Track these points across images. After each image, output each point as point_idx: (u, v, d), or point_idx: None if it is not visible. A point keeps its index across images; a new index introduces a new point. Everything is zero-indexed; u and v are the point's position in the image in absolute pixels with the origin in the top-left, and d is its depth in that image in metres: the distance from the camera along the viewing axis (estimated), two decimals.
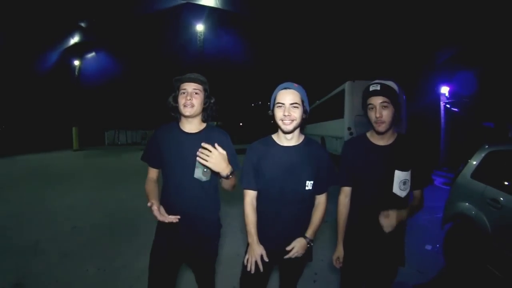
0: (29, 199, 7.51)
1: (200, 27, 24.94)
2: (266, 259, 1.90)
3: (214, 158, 1.78)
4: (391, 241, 2.02)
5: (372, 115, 1.91)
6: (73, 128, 24.67)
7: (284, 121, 1.83)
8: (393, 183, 1.94)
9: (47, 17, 22.38)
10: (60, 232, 5.12)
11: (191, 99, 1.98)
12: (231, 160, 2.02)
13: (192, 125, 2.10)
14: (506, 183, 3.27)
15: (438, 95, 13.53)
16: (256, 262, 1.90)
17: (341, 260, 2.21)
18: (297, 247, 1.91)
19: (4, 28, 21.09)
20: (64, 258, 4.15)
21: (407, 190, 1.96)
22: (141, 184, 2.39)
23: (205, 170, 2.01)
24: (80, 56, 28.35)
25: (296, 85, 1.85)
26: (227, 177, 1.88)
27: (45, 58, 26.66)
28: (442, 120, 13.43)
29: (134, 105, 35.94)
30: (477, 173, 3.74)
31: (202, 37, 24.99)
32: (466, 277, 3.52)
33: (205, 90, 2.09)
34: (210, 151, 1.77)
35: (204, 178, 2.03)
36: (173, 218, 1.90)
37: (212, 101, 2.15)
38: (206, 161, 1.78)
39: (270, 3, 23.06)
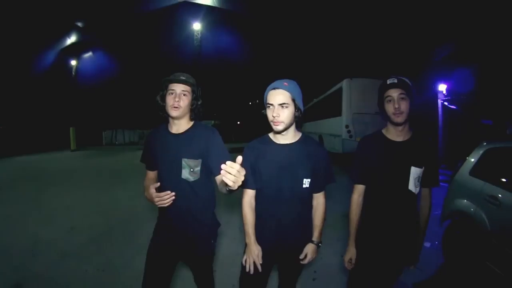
0: (27, 200, 7.48)
1: (197, 26, 24.88)
2: (260, 261, 1.92)
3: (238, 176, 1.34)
4: (406, 238, 2.05)
5: (390, 107, 1.95)
6: (71, 129, 24.61)
7: (274, 122, 1.84)
8: (409, 179, 1.97)
9: (44, 17, 22.29)
10: (59, 233, 5.10)
11: (178, 100, 1.98)
12: (221, 156, 2.03)
13: (179, 126, 2.11)
14: (504, 180, 3.28)
15: (435, 93, 13.52)
16: (254, 263, 1.92)
17: (353, 261, 2.18)
18: (309, 253, 2.01)
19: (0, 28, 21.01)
20: (63, 258, 4.14)
21: (419, 187, 2.00)
22: (139, 184, 2.40)
23: (192, 170, 2.02)
24: (77, 56, 28.24)
25: (286, 83, 1.83)
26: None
27: (41, 58, 26.53)
28: (440, 118, 13.44)
29: (131, 104, 35.90)
30: (475, 170, 3.75)
31: (199, 36, 24.94)
32: (465, 274, 3.53)
33: (193, 91, 2.09)
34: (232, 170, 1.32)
35: (191, 178, 2.03)
36: (166, 195, 1.89)
37: (199, 102, 2.15)
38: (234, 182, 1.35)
39: (267, 0, 23.06)
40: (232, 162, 1.36)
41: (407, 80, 1.91)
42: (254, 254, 1.93)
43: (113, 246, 4.58)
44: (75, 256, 4.21)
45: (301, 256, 2.02)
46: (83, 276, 3.66)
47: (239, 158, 1.36)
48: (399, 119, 1.91)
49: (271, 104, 1.83)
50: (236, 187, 1.42)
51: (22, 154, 20.15)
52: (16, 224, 5.61)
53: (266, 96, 1.88)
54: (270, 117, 1.85)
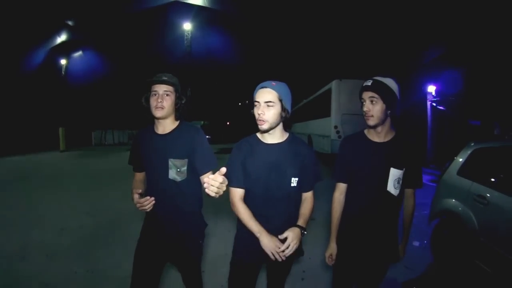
0: (15, 201, 7.38)
1: (187, 26, 24.85)
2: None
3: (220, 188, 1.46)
4: (385, 238, 2.07)
5: (363, 109, 1.97)
6: (60, 129, 24.35)
7: (259, 121, 1.85)
8: (388, 180, 1.97)
9: (34, 15, 22.07)
10: (48, 234, 5.05)
11: (161, 101, 1.99)
12: (205, 156, 2.07)
13: (164, 126, 2.11)
14: (492, 179, 3.33)
15: (425, 94, 13.70)
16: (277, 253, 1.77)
17: (334, 257, 2.21)
18: (291, 236, 1.76)
19: None
20: (52, 260, 4.10)
21: (399, 189, 1.99)
22: (128, 185, 2.39)
23: (178, 170, 2.03)
24: (67, 55, 28.02)
25: (274, 83, 1.86)
26: None
27: (31, 57, 26.23)
28: (429, 118, 13.61)
29: (121, 104, 35.62)
30: (463, 170, 3.80)
31: (189, 36, 24.90)
32: (454, 272, 3.57)
33: (176, 91, 2.09)
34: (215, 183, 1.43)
35: (178, 179, 2.04)
36: (146, 201, 1.88)
37: (183, 102, 2.15)
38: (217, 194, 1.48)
39: (258, 1, 23.09)
40: (215, 175, 1.41)
41: (387, 82, 1.91)
42: (271, 247, 1.76)
43: (103, 247, 4.55)
44: (64, 257, 4.17)
45: (281, 236, 1.78)
46: (73, 278, 3.62)
47: (223, 169, 1.41)
48: (370, 122, 1.94)
49: (258, 102, 1.85)
50: (218, 196, 1.48)
51: (10, 155, 19.86)
52: (5, 225, 5.53)
53: (254, 94, 1.90)
54: (256, 115, 1.86)
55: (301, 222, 1.93)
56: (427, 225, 4.28)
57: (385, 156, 1.98)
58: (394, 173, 1.95)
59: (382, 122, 1.94)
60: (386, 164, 1.96)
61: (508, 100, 11.15)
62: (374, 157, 2.01)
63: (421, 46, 15.53)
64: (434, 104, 13.57)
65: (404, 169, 1.96)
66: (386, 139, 2.02)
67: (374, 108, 1.90)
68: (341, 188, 2.19)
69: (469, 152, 3.84)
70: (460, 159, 3.92)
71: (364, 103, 1.96)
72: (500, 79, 11.49)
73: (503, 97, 11.28)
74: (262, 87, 1.86)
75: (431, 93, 13.47)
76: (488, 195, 3.22)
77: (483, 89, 12.18)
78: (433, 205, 4.16)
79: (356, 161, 2.08)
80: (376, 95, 1.89)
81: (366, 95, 1.93)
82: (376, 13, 17.83)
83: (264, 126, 1.85)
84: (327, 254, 2.24)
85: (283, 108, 1.86)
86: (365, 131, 2.13)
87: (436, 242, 4.04)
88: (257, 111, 1.85)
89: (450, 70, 13.39)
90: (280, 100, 1.85)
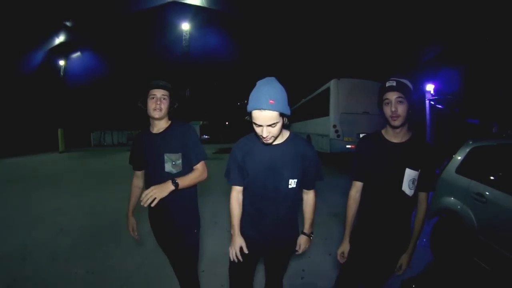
0: (15, 202, 7.39)
1: (185, 26, 24.83)
2: (246, 251, 1.99)
3: (154, 194, 1.93)
4: (398, 238, 2.09)
5: (387, 110, 1.94)
6: (59, 130, 24.33)
7: (265, 138, 1.77)
8: (403, 180, 1.98)
9: (32, 16, 22.02)
10: (48, 235, 5.05)
11: (160, 104, 2.22)
12: (196, 149, 2.29)
13: (159, 126, 2.35)
14: (490, 177, 3.33)
15: (423, 93, 13.69)
16: (237, 252, 2.00)
17: (345, 255, 2.24)
18: (302, 244, 2.15)
19: None
20: (53, 261, 4.10)
21: (414, 190, 2.00)
22: (127, 185, 2.45)
23: (174, 163, 2.26)
24: (66, 56, 27.98)
25: (272, 101, 1.64)
26: (176, 189, 2.07)
27: (29, 58, 26.21)
28: (428, 117, 13.61)
29: (119, 105, 35.56)
30: (461, 168, 3.81)
31: (187, 36, 24.88)
32: (453, 270, 3.58)
33: (170, 95, 2.32)
34: (148, 194, 1.92)
35: (174, 171, 2.27)
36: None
37: (175, 106, 2.39)
38: (154, 199, 1.93)
39: (256, 1, 23.08)
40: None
41: (407, 82, 1.91)
42: (238, 244, 2.00)
43: (103, 247, 4.54)
44: (64, 258, 4.17)
45: (296, 248, 2.15)
46: (73, 278, 3.62)
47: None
48: (396, 122, 1.92)
49: (260, 125, 1.72)
50: (162, 196, 1.97)
51: (9, 156, 19.84)
52: (5, 227, 5.53)
53: (251, 112, 1.73)
54: (260, 133, 1.76)
55: (307, 228, 2.16)
56: (426, 223, 4.28)
57: (401, 156, 1.99)
58: (410, 174, 1.96)
59: (406, 122, 1.96)
60: (402, 164, 1.97)
61: (507, 98, 11.17)
62: (391, 157, 2.02)
63: (419, 45, 15.54)
64: (433, 103, 13.58)
65: (419, 170, 1.97)
66: (403, 140, 2.03)
67: (401, 108, 1.89)
68: (357, 186, 2.22)
69: (467, 150, 3.84)
70: (459, 158, 3.93)
71: (388, 103, 1.93)
72: (499, 78, 11.51)
73: (502, 96, 11.30)
74: (260, 109, 1.68)
75: (429, 91, 13.48)
76: (486, 193, 3.22)
77: (481, 87, 12.20)
78: (432, 203, 4.16)
79: (373, 160, 2.09)
80: (402, 95, 1.88)
81: (392, 95, 1.90)
82: (374, 12, 17.83)
83: (271, 141, 1.84)
84: (339, 252, 2.27)
85: (284, 120, 1.81)
86: (383, 131, 2.14)
87: (435, 240, 4.05)
88: (260, 132, 1.74)
89: (448, 68, 13.41)
90: (281, 114, 1.73)
